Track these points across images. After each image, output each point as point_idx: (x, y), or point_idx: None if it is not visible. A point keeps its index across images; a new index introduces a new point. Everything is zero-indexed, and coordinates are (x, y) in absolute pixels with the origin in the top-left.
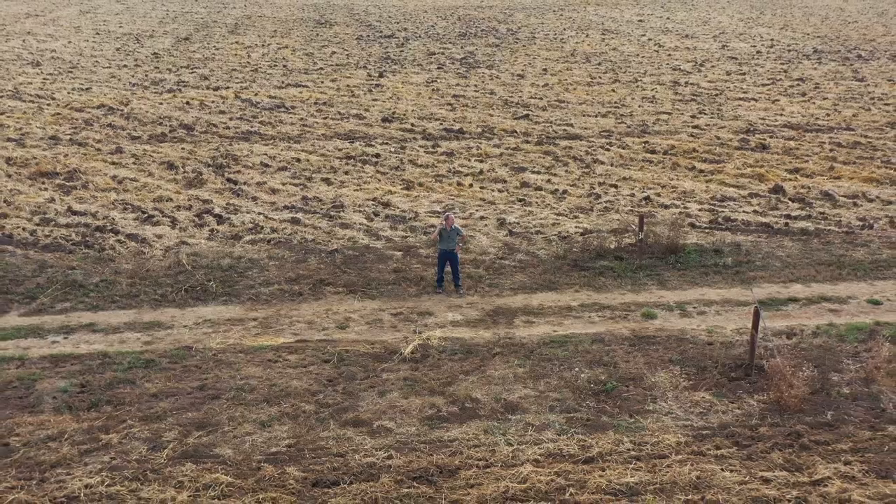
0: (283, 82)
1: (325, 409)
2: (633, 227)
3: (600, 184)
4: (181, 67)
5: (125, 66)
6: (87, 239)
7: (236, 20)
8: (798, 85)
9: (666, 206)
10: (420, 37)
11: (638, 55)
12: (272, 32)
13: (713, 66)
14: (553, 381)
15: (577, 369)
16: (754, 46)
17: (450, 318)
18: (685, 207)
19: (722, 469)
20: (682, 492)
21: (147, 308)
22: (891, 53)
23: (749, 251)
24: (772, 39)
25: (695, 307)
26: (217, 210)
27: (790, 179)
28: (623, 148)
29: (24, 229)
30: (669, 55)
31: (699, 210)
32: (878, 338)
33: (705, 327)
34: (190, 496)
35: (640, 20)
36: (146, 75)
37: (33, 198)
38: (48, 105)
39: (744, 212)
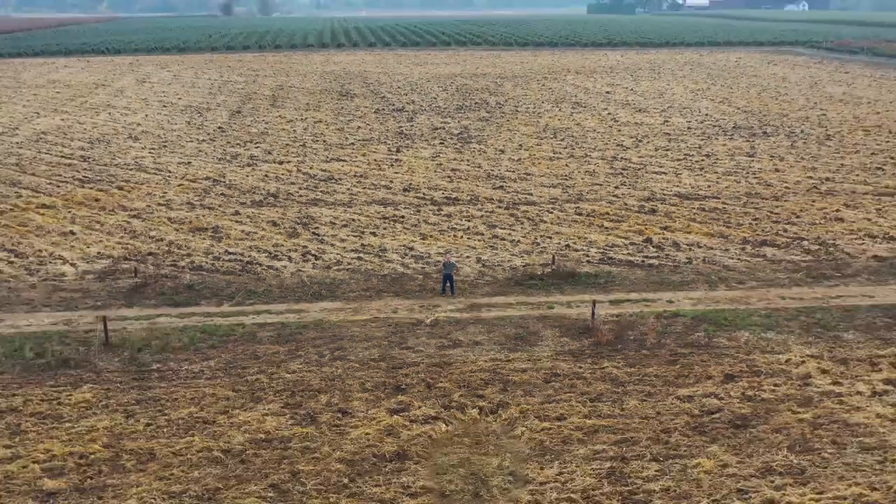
0: (327, 157)
1: (393, 344)
2: (552, 262)
3: (541, 236)
4: (246, 142)
5: (203, 140)
6: (245, 268)
7: (272, 91)
8: (703, 160)
9: (577, 250)
10: (425, 110)
11: (595, 130)
12: (305, 105)
13: (648, 142)
14: (496, 335)
15: (508, 329)
16: (689, 122)
17: (449, 307)
18: (587, 250)
19: (567, 366)
20: (552, 379)
21: (292, 302)
22: (789, 130)
23: (615, 276)
24: (706, 115)
25: (577, 304)
26: (313, 251)
27: (659, 233)
28: (561, 212)
29: (204, 263)
30: (619, 130)
31: (595, 252)
32: (653, 317)
33: (577, 313)
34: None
35: (608, 91)
36: (224, 150)
37: (199, 245)
38: (169, 177)
39: (622, 254)
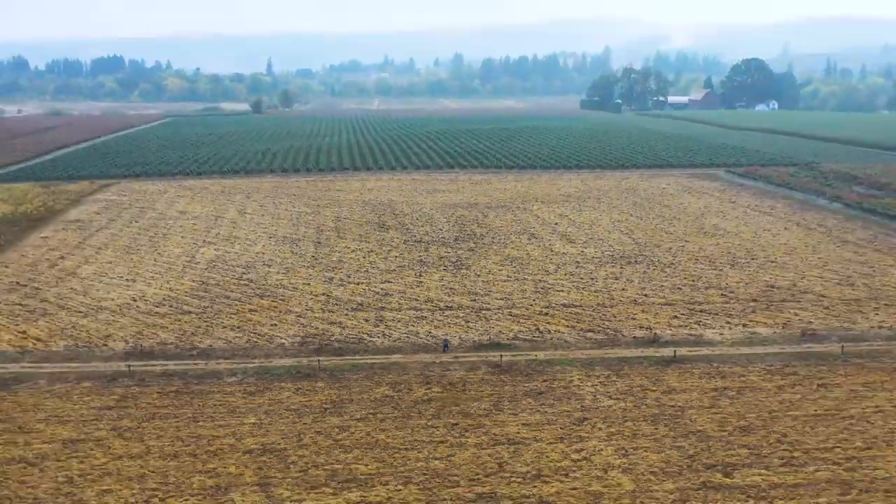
0: (381, 279)
1: (425, 369)
2: (489, 338)
3: (490, 326)
4: (333, 268)
5: (308, 267)
6: (360, 340)
7: (334, 223)
8: (589, 282)
9: (502, 333)
10: (435, 241)
11: (536, 259)
12: (358, 237)
13: (564, 269)
14: (463, 366)
15: (468, 364)
16: (596, 252)
17: (445, 357)
18: (508, 333)
19: (487, 377)
20: (482, 381)
21: (383, 354)
22: (651, 259)
23: (517, 345)
24: (610, 246)
25: (496, 356)
26: (387, 333)
27: (544, 326)
28: (501, 314)
29: (341, 338)
30: (550, 259)
31: (511, 334)
32: (525, 360)
33: (496, 359)
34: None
35: (556, 223)
36: (323, 275)
37: (335, 330)
38: (303, 293)
39: (523, 336)
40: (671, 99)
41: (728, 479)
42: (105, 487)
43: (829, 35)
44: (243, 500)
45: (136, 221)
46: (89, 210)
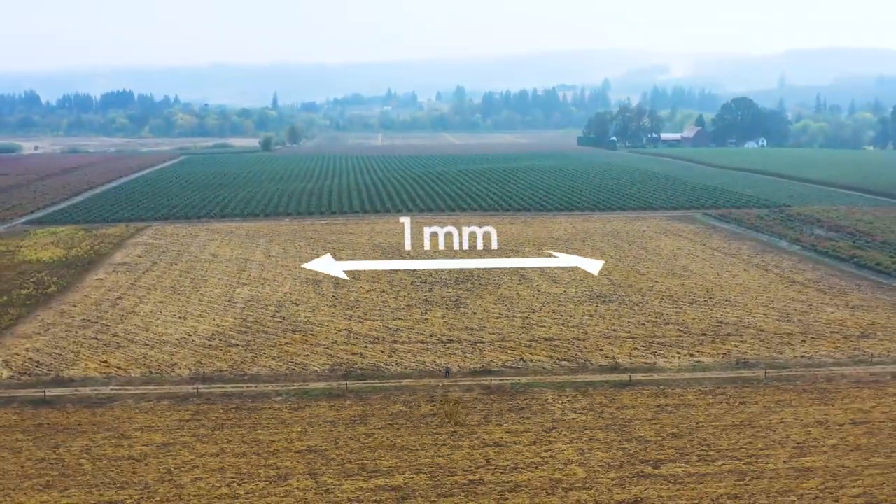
0: (393, 316)
1: (431, 390)
2: (481, 367)
3: (482, 357)
4: (351, 307)
5: (331, 306)
6: (379, 368)
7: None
8: (568, 319)
9: (492, 363)
10: (438, 283)
11: (525, 298)
12: (371, 278)
13: (548, 307)
14: (460, 387)
15: (464, 386)
16: (576, 292)
17: (446, 381)
18: (497, 363)
19: (479, 397)
20: (475, 400)
21: (398, 379)
22: (623, 298)
23: (504, 370)
24: (589, 286)
25: (487, 381)
26: (400, 361)
27: (527, 356)
28: (492, 345)
29: (366, 366)
30: (537, 298)
31: (499, 363)
32: (510, 383)
33: (487, 384)
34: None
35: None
36: (344, 313)
37: (359, 360)
38: (329, 328)
39: (508, 364)
40: (664, 136)
41: (656, 470)
42: (196, 476)
43: (827, 66)
44: (298, 485)
45: (176, 264)
46: (132, 253)
